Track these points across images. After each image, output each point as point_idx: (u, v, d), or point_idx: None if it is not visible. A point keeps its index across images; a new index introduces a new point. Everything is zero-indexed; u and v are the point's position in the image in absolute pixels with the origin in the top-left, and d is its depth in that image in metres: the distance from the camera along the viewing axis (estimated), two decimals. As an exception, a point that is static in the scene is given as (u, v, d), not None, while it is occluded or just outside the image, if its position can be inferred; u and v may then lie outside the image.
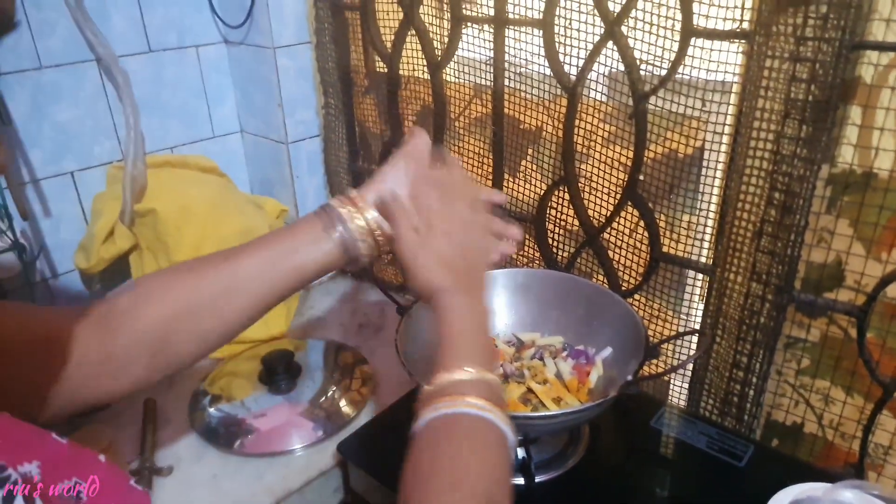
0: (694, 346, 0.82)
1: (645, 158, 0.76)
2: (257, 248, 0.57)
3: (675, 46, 0.69)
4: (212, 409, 0.88)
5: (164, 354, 0.54)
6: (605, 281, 0.87)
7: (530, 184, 0.91)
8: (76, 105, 0.96)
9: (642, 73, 0.73)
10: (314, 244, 0.57)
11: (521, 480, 0.70)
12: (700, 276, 0.79)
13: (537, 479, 0.71)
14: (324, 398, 0.89)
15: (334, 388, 0.91)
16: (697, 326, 0.81)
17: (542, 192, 0.89)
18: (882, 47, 0.59)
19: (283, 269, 0.56)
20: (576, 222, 0.87)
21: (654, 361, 0.85)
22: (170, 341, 0.54)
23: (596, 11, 0.73)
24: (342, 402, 0.89)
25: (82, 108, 0.96)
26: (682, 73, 0.70)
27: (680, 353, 0.83)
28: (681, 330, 0.84)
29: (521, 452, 0.73)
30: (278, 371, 0.91)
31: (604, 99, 0.78)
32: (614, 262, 0.86)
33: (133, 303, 0.54)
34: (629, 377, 0.64)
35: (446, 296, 0.54)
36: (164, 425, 0.86)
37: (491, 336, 0.56)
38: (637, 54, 0.72)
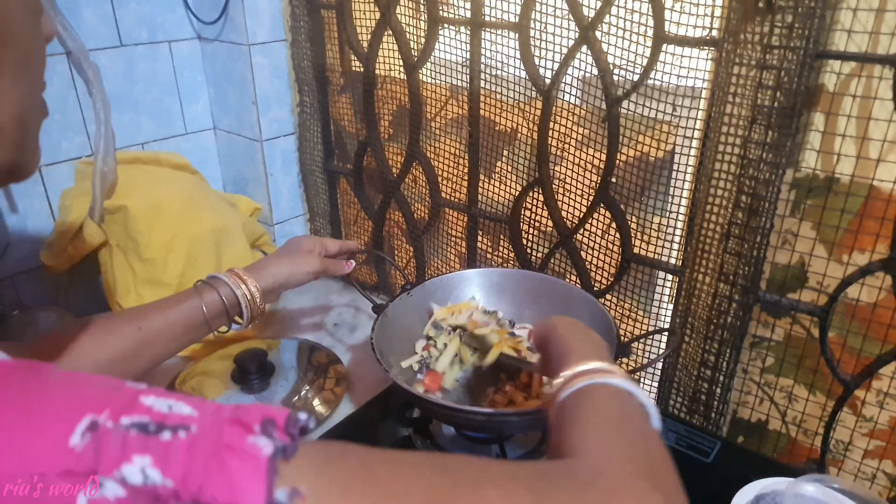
0: (664, 344, 0.84)
1: (617, 161, 0.78)
2: (162, 312, 0.67)
3: (648, 52, 0.70)
4: (183, 409, 0.87)
5: None
6: (578, 281, 0.88)
7: (505, 185, 0.92)
8: (45, 99, 0.94)
9: (615, 77, 0.74)
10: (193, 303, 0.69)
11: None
12: (670, 276, 0.81)
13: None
14: (297, 398, 0.89)
15: (308, 388, 0.91)
16: (667, 326, 0.82)
17: (517, 193, 0.90)
18: (844, 57, 0.62)
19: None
20: (549, 223, 0.88)
21: (625, 360, 0.87)
22: None
23: (571, 16, 0.75)
24: (316, 402, 0.89)
25: (51, 102, 0.93)
26: (654, 79, 0.71)
27: (650, 351, 0.85)
28: (651, 329, 0.85)
29: (494, 449, 0.74)
30: (251, 370, 0.90)
31: (577, 102, 0.80)
32: (587, 263, 0.87)
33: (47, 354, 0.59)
34: None
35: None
36: (134, 425, 0.85)
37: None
38: (610, 59, 0.74)
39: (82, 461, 0.26)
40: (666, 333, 0.81)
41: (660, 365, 0.85)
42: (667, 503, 0.36)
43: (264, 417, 0.30)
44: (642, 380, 0.88)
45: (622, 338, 0.75)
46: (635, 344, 0.87)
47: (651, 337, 0.82)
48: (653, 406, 0.46)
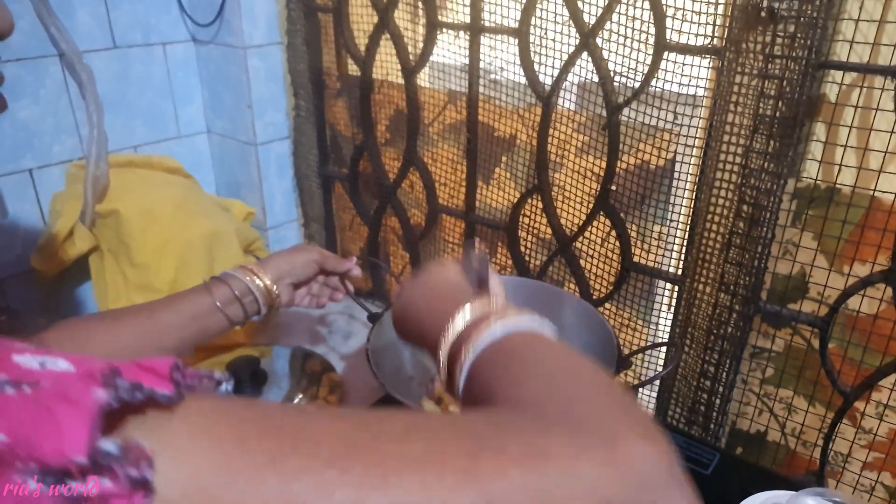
0: (663, 355, 0.83)
1: (617, 169, 0.77)
2: (171, 303, 0.68)
3: (649, 60, 0.70)
4: (174, 417, 0.85)
5: None
6: (577, 289, 0.88)
7: (504, 191, 0.92)
8: (37, 101, 0.92)
9: (616, 84, 0.74)
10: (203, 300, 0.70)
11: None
12: (670, 285, 0.80)
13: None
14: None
15: (301, 396, 0.90)
16: (666, 336, 0.82)
17: (516, 199, 0.90)
18: (846, 67, 0.61)
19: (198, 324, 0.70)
20: (548, 231, 0.88)
21: (625, 374, 0.86)
22: None
23: (571, 22, 0.74)
24: (310, 410, 0.87)
25: (43, 104, 0.93)
26: (655, 86, 0.71)
27: (650, 362, 0.84)
28: (650, 339, 0.85)
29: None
30: (244, 378, 0.88)
31: (577, 109, 0.79)
32: (586, 271, 0.86)
33: (58, 343, 0.57)
34: None
35: None
36: (124, 433, 0.83)
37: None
38: (611, 66, 0.73)
39: None
40: (665, 347, 0.80)
41: (658, 375, 0.84)
42: (658, 451, 0.29)
43: (110, 367, 0.26)
44: (640, 389, 0.88)
45: (621, 348, 0.74)
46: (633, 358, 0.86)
47: (652, 350, 0.82)
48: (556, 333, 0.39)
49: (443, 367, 0.41)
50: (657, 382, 0.84)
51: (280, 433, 0.27)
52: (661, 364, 0.84)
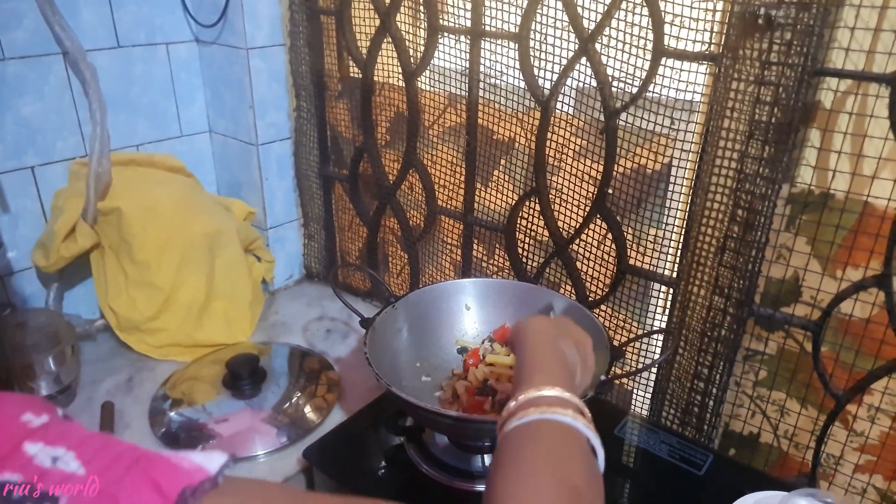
0: (658, 352, 0.84)
1: (614, 173, 0.78)
2: None
3: (647, 65, 0.71)
4: (172, 414, 0.86)
5: None
6: (573, 291, 0.88)
7: (502, 194, 0.93)
8: (40, 99, 0.93)
9: (614, 89, 0.74)
10: None
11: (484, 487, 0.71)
12: (664, 288, 0.81)
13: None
14: (288, 404, 0.88)
15: (299, 394, 0.90)
16: (661, 338, 0.83)
17: (514, 202, 0.90)
18: (841, 74, 0.62)
19: None
20: (545, 233, 0.88)
21: (619, 369, 0.87)
22: None
23: (570, 28, 0.75)
24: (307, 409, 0.88)
25: (47, 101, 0.94)
26: (652, 92, 0.72)
27: (645, 361, 0.85)
28: (644, 340, 0.85)
29: (488, 459, 0.74)
30: (243, 376, 0.89)
31: (575, 113, 0.80)
32: (582, 273, 0.87)
33: None
34: (602, 377, 0.66)
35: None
36: (123, 430, 0.84)
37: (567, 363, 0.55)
38: (609, 71, 0.74)
39: None
40: (662, 334, 0.81)
41: (653, 376, 0.85)
42: None
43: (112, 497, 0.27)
44: (636, 390, 0.89)
45: (612, 340, 0.76)
46: (630, 355, 0.87)
47: (648, 339, 0.82)
48: (600, 446, 0.45)
49: (514, 405, 0.47)
50: (651, 383, 0.85)
51: None
52: (655, 369, 0.84)
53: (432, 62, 0.91)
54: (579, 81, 0.78)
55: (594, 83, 0.75)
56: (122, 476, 0.28)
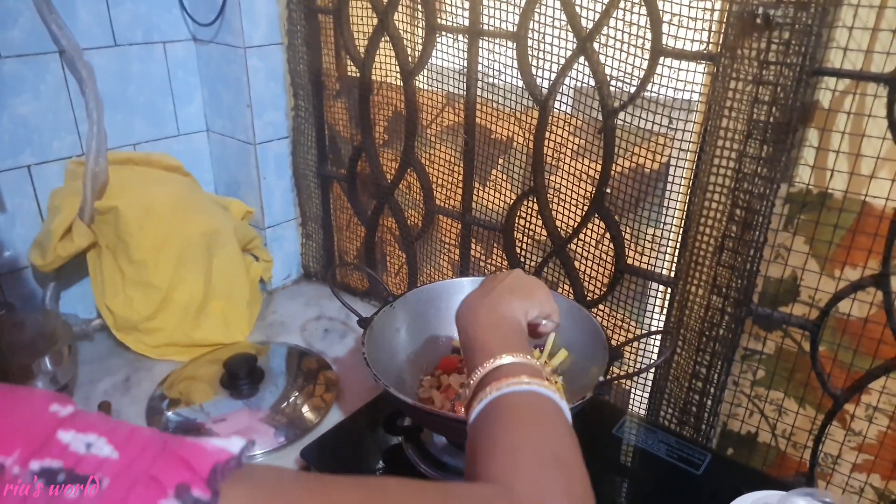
0: (656, 352, 0.84)
1: (612, 172, 0.78)
2: None
3: (645, 65, 0.71)
4: (170, 413, 0.86)
5: None
6: (571, 290, 0.88)
7: (500, 193, 0.92)
8: (37, 97, 0.93)
9: (612, 89, 0.74)
10: None
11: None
12: (662, 287, 0.81)
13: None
14: (286, 404, 0.88)
15: (297, 394, 0.90)
16: (659, 337, 0.82)
17: (512, 201, 0.90)
18: (839, 74, 0.62)
19: None
20: (543, 232, 0.88)
21: (618, 370, 0.87)
22: None
23: (569, 27, 0.75)
24: (305, 408, 0.88)
25: (43, 100, 0.93)
26: (651, 91, 0.72)
27: (643, 360, 0.85)
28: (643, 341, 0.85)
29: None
30: (240, 376, 0.89)
31: (573, 112, 0.80)
32: (580, 273, 0.87)
33: None
34: (601, 378, 0.66)
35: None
36: (120, 429, 0.83)
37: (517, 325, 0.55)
38: (608, 71, 0.74)
39: None
40: (661, 334, 0.81)
41: (651, 376, 0.85)
42: None
43: (178, 483, 0.29)
44: (633, 389, 0.89)
45: (611, 342, 0.76)
46: (628, 355, 0.87)
47: (646, 340, 0.82)
48: (566, 408, 0.46)
49: (469, 392, 0.49)
50: (649, 383, 0.85)
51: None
52: (653, 368, 0.84)
53: (430, 61, 0.91)
54: (577, 81, 0.78)
55: (592, 82, 0.75)
56: (156, 457, 0.29)
